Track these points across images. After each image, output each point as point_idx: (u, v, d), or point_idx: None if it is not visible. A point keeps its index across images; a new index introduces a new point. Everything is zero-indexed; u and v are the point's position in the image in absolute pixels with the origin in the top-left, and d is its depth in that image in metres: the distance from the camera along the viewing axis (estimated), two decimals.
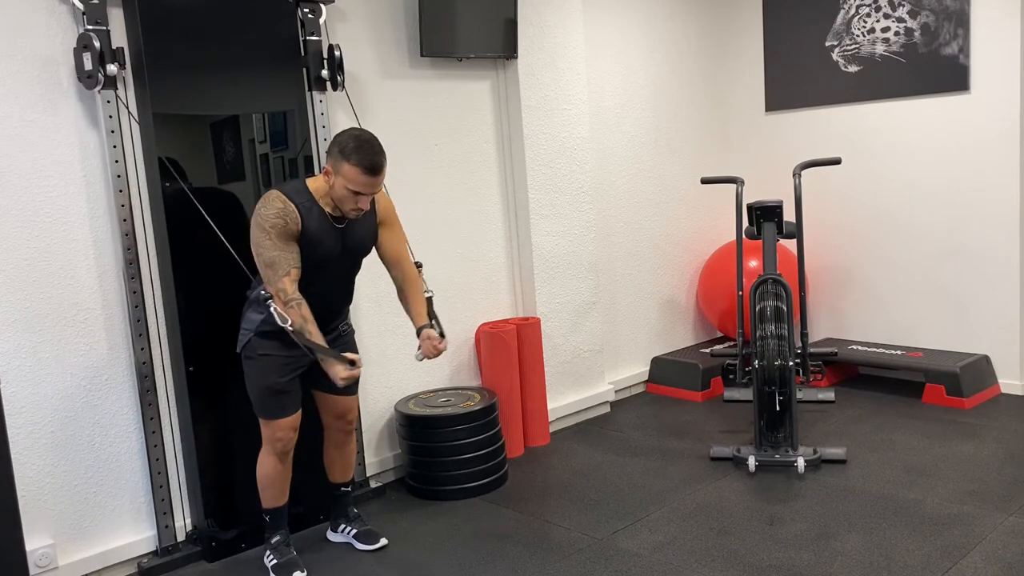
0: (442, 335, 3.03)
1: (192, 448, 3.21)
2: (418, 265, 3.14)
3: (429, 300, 3.10)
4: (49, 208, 2.97)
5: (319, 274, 2.87)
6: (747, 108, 5.34)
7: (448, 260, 4.10)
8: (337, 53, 3.46)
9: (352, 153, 2.70)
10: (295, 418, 2.97)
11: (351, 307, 3.18)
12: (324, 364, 2.84)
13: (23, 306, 2.93)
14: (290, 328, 2.76)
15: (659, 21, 5.00)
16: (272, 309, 2.76)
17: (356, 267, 3.05)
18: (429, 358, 3.00)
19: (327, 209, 2.83)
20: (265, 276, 2.77)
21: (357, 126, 2.82)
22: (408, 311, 3.08)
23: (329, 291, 2.95)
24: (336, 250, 2.89)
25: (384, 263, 3.09)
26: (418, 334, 3.01)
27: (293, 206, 2.76)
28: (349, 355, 2.81)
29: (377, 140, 2.76)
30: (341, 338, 3.08)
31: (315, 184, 2.84)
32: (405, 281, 3.08)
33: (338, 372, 2.78)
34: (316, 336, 2.77)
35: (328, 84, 3.53)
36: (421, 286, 3.10)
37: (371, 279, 3.76)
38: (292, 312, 2.74)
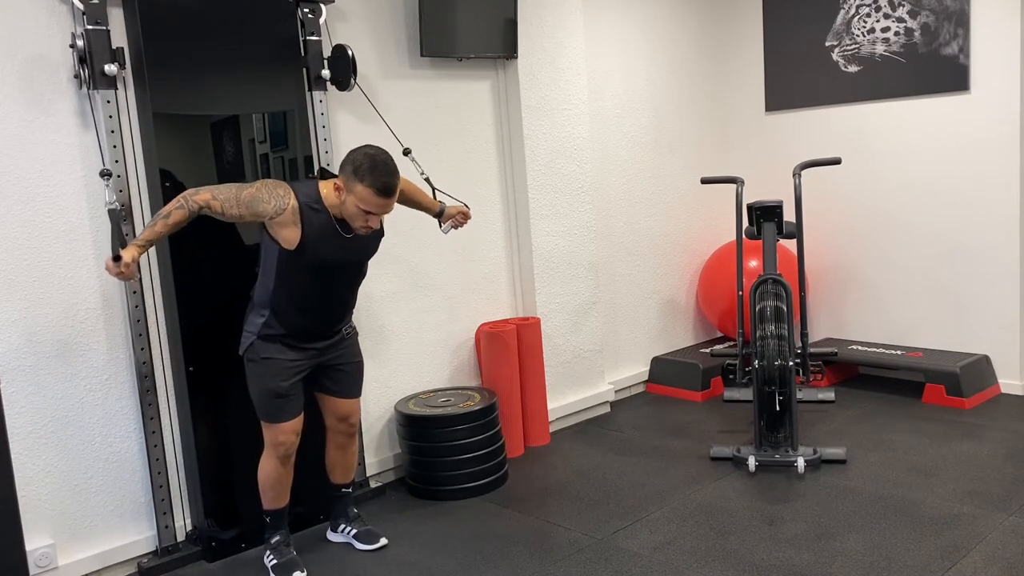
0: (466, 206, 3.44)
1: (192, 448, 3.21)
2: (407, 152, 3.45)
3: (428, 181, 3.38)
4: (49, 208, 2.97)
5: (322, 279, 2.86)
6: (747, 108, 5.34)
7: (448, 260, 4.10)
8: (350, 53, 3.44)
9: (366, 174, 2.68)
10: (297, 422, 2.97)
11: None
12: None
13: (23, 306, 2.93)
14: (111, 206, 2.83)
15: (659, 21, 5.00)
16: (105, 183, 2.85)
17: (361, 273, 3.04)
18: (457, 228, 3.44)
19: (336, 216, 2.82)
20: (208, 187, 2.77)
21: (372, 144, 2.80)
22: (420, 207, 3.35)
23: (332, 296, 2.95)
24: (341, 258, 2.88)
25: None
26: (439, 216, 3.38)
27: (295, 203, 2.75)
28: (127, 255, 2.66)
29: (391, 160, 2.74)
30: (344, 341, 3.08)
31: (326, 191, 2.82)
32: (405, 188, 3.21)
33: (107, 261, 2.67)
34: (149, 231, 2.69)
35: (329, 84, 3.53)
36: (418, 176, 3.35)
37: (370, 280, 3.76)
38: (172, 203, 2.71)
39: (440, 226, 3.43)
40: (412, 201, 3.33)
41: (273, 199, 2.74)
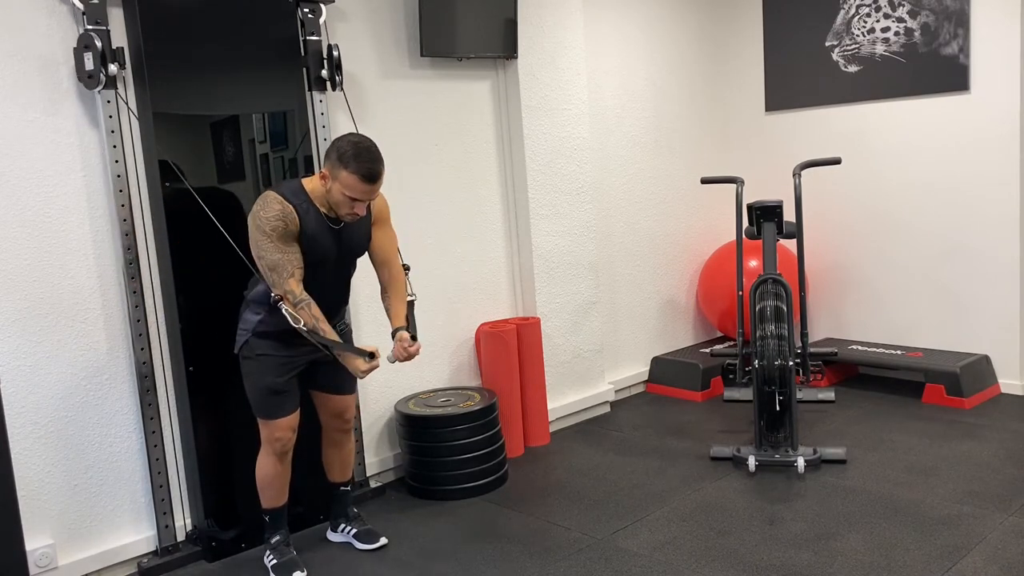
0: (414, 338, 3.01)
1: (192, 448, 3.21)
2: (406, 268, 3.12)
3: (411, 304, 3.09)
4: (49, 208, 2.97)
5: (316, 274, 2.87)
6: (747, 108, 5.34)
7: (448, 260, 4.10)
8: (336, 53, 3.45)
9: (351, 160, 2.69)
10: (294, 418, 2.98)
11: (349, 307, 3.18)
12: (343, 359, 2.86)
13: (23, 306, 2.93)
14: (304, 329, 2.77)
15: (659, 21, 5.00)
16: (284, 311, 2.76)
17: (352, 267, 3.05)
18: (400, 360, 3.00)
19: (323, 210, 2.83)
20: (270, 279, 2.77)
21: (356, 132, 2.82)
22: (388, 311, 3.08)
23: (326, 291, 2.95)
24: (333, 251, 2.89)
25: (372, 262, 3.08)
26: (393, 335, 3.01)
27: (291, 207, 2.76)
28: (367, 347, 2.83)
29: (376, 147, 2.75)
30: (340, 337, 3.08)
31: (311, 185, 2.84)
32: (391, 281, 3.07)
33: (358, 366, 2.83)
34: (330, 333, 2.80)
35: (328, 84, 3.53)
36: (405, 288, 3.09)
37: (370, 279, 3.75)
38: (303, 313, 2.77)
39: (390, 351, 3.04)
40: (384, 293, 3.08)
41: (285, 218, 2.74)
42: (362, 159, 2.70)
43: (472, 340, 4.25)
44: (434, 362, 4.09)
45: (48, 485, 3.02)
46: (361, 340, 3.70)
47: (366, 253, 3.05)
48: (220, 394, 3.22)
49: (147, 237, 3.15)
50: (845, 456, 3.74)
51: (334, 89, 3.53)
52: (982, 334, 4.53)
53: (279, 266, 2.75)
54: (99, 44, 2.90)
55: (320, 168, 3.41)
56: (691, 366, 4.87)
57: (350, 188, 2.72)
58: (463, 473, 3.65)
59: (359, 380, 3.20)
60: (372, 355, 2.83)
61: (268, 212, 2.74)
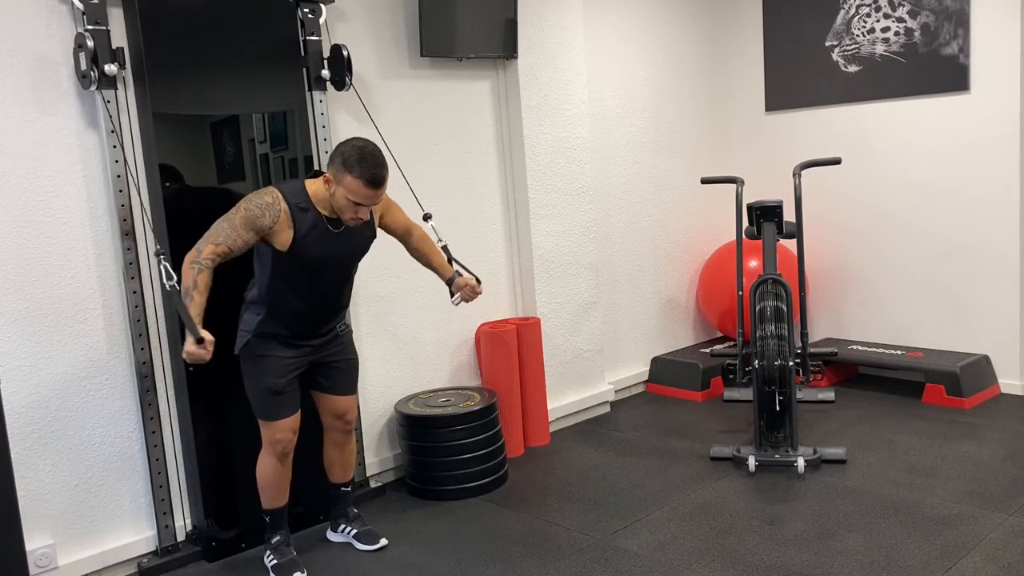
0: (478, 280, 3.22)
1: (192, 448, 3.21)
2: (427, 217, 3.30)
3: (445, 249, 3.24)
4: (49, 208, 2.97)
5: (315, 277, 2.87)
6: (747, 108, 5.34)
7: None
8: (345, 53, 3.45)
9: (355, 165, 2.69)
10: (294, 419, 2.97)
11: (349, 308, 3.18)
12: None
13: (23, 306, 2.93)
14: (175, 286, 2.70)
15: (659, 21, 5.00)
16: (163, 264, 2.75)
17: (353, 270, 3.05)
18: (467, 302, 3.21)
19: (324, 212, 2.83)
20: (201, 239, 2.74)
21: (360, 136, 2.82)
22: (432, 268, 3.26)
23: (325, 293, 2.95)
24: (332, 254, 2.89)
25: (398, 239, 3.20)
26: (449, 283, 3.21)
27: (285, 206, 2.76)
28: (203, 332, 2.63)
29: (380, 152, 2.75)
30: (339, 338, 3.08)
31: (314, 187, 2.84)
32: (422, 242, 3.23)
33: (185, 347, 2.65)
34: (194, 306, 2.65)
35: (328, 84, 3.53)
36: (433, 241, 3.24)
37: (370, 280, 3.77)
38: (189, 273, 2.68)
39: (451, 297, 3.22)
40: (422, 256, 3.25)
41: (267, 210, 2.74)
42: (366, 164, 2.70)
43: (472, 340, 4.25)
44: (434, 362, 4.09)
45: (48, 485, 3.02)
46: (360, 340, 3.71)
47: (368, 253, 3.06)
48: (220, 394, 3.22)
49: (147, 237, 3.15)
50: (845, 456, 3.74)
51: (340, 89, 3.52)
52: (982, 334, 4.53)
53: (217, 233, 2.72)
54: (91, 44, 2.89)
55: (319, 168, 3.43)
56: (691, 366, 4.87)
57: (354, 193, 2.72)
58: (463, 473, 3.65)
59: (359, 381, 3.21)
60: (201, 340, 2.63)
61: (258, 199, 2.75)
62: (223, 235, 2.73)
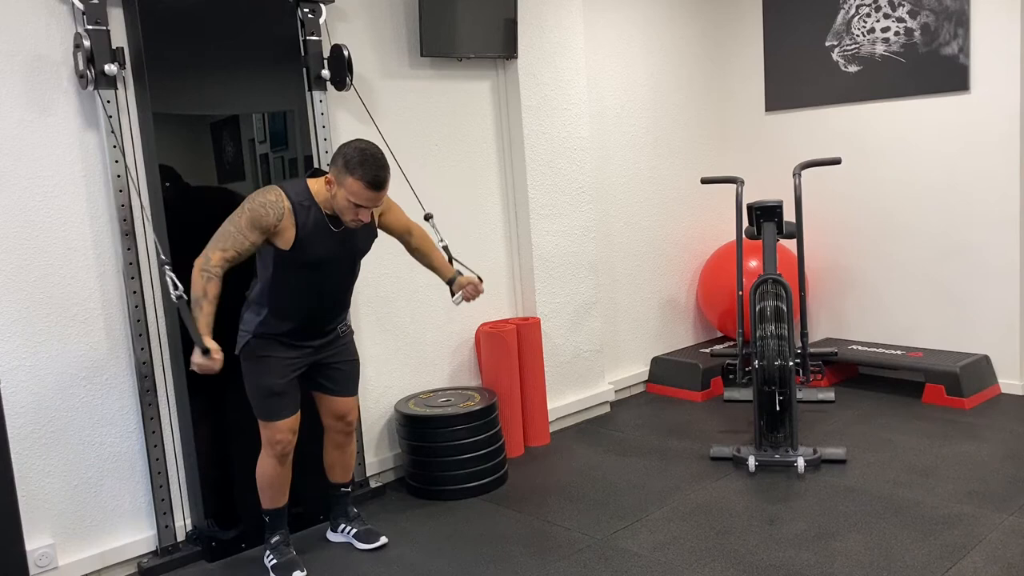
0: (480, 279, 3.24)
1: (192, 448, 3.21)
2: (428, 217, 3.30)
3: (446, 249, 3.25)
4: (49, 208, 2.97)
5: (316, 276, 2.87)
6: (747, 108, 5.34)
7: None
8: (346, 53, 3.44)
9: (357, 167, 2.69)
10: (294, 420, 2.97)
11: (350, 309, 3.18)
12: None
13: (23, 306, 2.93)
14: (182, 295, 2.72)
15: (659, 21, 5.00)
16: (170, 274, 2.75)
17: (355, 270, 3.05)
18: (469, 301, 3.22)
19: (326, 212, 2.83)
20: (209, 244, 2.76)
21: (363, 138, 2.82)
22: (433, 268, 3.27)
23: (327, 293, 2.95)
24: (333, 253, 2.89)
25: (398, 239, 3.20)
26: (450, 284, 3.24)
27: (288, 204, 2.76)
28: (210, 343, 2.68)
29: (382, 154, 2.75)
30: (339, 339, 3.08)
31: (316, 187, 2.84)
32: (422, 241, 3.23)
33: (193, 359, 2.69)
34: (203, 316, 2.69)
35: (329, 84, 3.53)
36: (434, 241, 3.24)
37: (371, 280, 3.77)
38: (199, 281, 2.70)
39: (452, 296, 3.26)
40: (423, 256, 3.26)
41: (271, 208, 2.74)
42: (368, 166, 2.70)
43: (472, 340, 4.25)
44: (434, 362, 4.09)
45: (48, 485, 3.02)
46: (361, 340, 3.70)
47: (369, 254, 3.06)
48: (220, 394, 3.21)
49: (147, 237, 3.15)
50: (845, 456, 3.74)
51: (340, 89, 3.52)
52: (982, 334, 4.53)
53: (225, 237, 2.73)
54: (87, 44, 2.89)
55: (320, 168, 3.43)
56: (691, 366, 4.87)
57: (355, 195, 2.72)
58: (463, 473, 3.65)
59: (359, 382, 3.21)
60: (207, 351, 2.68)
61: (261, 197, 2.76)
62: (230, 240, 2.73)
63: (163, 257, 2.81)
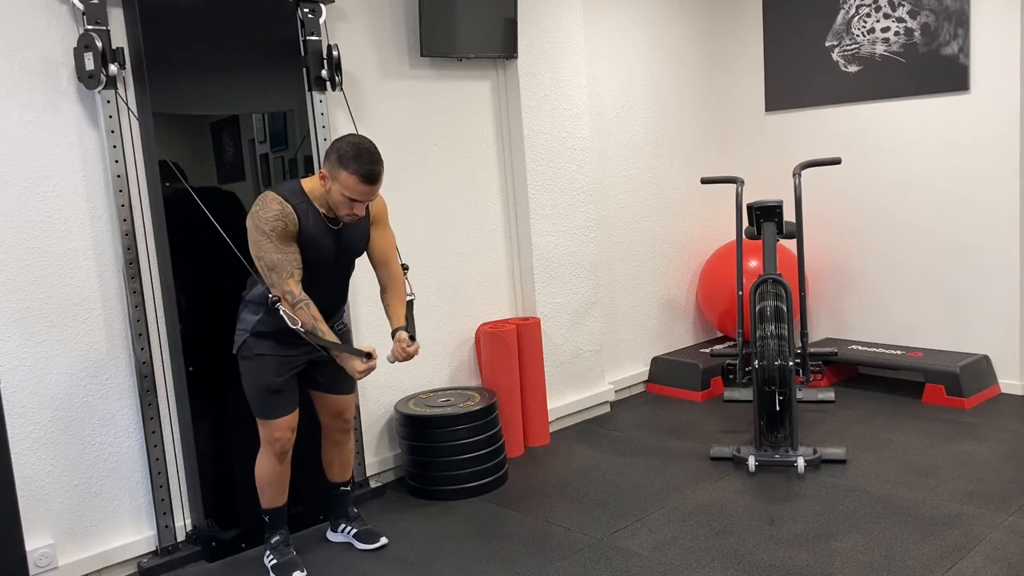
0: (412, 338, 3.02)
1: (192, 448, 3.21)
2: (404, 268, 3.13)
3: (409, 303, 3.10)
4: (49, 208, 2.97)
5: (315, 274, 2.87)
6: (747, 108, 5.34)
7: (448, 260, 4.10)
8: (335, 53, 3.45)
9: (351, 161, 2.69)
10: (293, 417, 2.97)
11: (347, 307, 3.17)
12: (340, 360, 2.86)
13: (23, 306, 2.93)
14: (302, 330, 2.77)
15: (659, 21, 5.00)
16: (282, 312, 2.76)
17: (350, 267, 3.05)
18: (399, 360, 3.01)
19: (322, 210, 2.83)
20: (269, 280, 2.77)
21: (356, 132, 2.82)
22: (387, 311, 3.09)
23: (324, 291, 2.95)
24: (331, 251, 2.89)
25: (372, 262, 3.09)
26: (393, 335, 3.02)
27: (290, 207, 2.76)
28: (364, 347, 2.84)
29: (376, 148, 2.75)
30: (337, 337, 3.08)
31: (310, 185, 2.84)
32: (390, 281, 3.08)
33: (355, 367, 2.83)
34: (328, 334, 2.81)
35: (327, 84, 3.53)
36: (404, 288, 3.10)
37: (371, 279, 3.75)
38: (302, 313, 2.76)
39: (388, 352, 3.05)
40: (384, 292, 3.09)
41: (284, 219, 2.74)
42: (362, 160, 2.70)
43: (472, 340, 4.25)
44: (434, 362, 4.09)
45: (48, 485, 3.02)
46: (361, 340, 3.70)
47: (365, 254, 3.05)
48: (220, 394, 3.21)
49: (147, 237, 3.15)
50: (845, 456, 3.74)
51: (334, 89, 3.53)
52: (982, 334, 4.53)
53: (278, 266, 2.75)
54: (99, 44, 2.90)
55: (320, 168, 3.43)
56: (691, 366, 4.87)
57: (349, 189, 2.72)
58: (463, 473, 3.65)
59: (358, 380, 3.21)
60: (369, 355, 2.83)
61: (267, 212, 2.74)
62: (283, 264, 2.75)
63: (272, 295, 2.77)
